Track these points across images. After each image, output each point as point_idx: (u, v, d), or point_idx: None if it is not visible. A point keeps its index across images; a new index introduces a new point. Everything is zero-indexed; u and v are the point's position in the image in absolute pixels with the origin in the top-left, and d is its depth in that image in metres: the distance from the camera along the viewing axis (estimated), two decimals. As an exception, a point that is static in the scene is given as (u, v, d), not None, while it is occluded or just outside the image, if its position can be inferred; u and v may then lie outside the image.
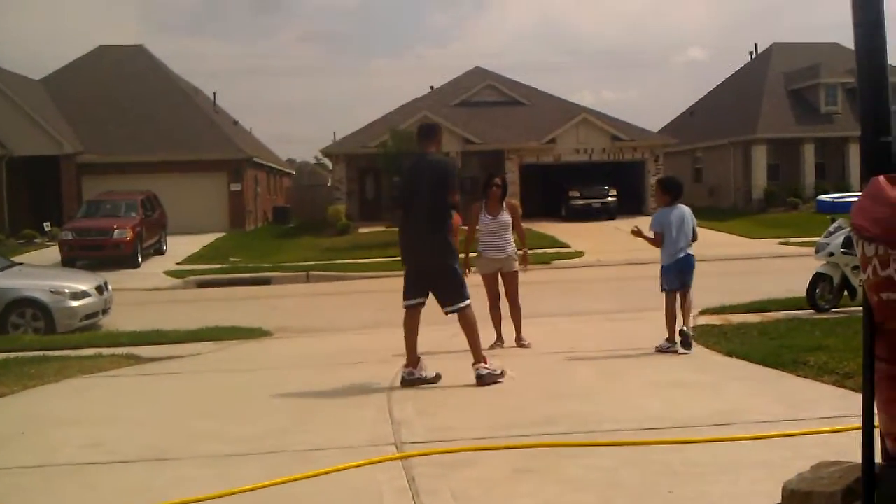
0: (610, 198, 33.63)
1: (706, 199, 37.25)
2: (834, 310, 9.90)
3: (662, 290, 7.68)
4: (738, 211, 35.32)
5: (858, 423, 2.55)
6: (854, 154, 35.05)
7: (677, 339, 7.50)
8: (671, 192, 7.88)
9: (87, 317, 12.31)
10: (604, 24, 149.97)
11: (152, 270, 21.62)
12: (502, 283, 8.53)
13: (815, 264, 10.44)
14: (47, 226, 29.27)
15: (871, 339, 2.43)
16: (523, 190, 32.79)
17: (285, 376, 7.57)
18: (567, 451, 4.39)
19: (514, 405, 5.70)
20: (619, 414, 5.19)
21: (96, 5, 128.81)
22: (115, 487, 4.21)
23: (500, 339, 8.48)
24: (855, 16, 2.61)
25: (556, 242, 24.88)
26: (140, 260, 22.48)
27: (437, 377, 6.55)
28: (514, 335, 8.50)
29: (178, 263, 23.06)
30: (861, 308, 2.62)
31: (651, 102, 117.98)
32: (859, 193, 2.53)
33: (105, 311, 12.89)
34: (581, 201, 33.36)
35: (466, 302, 6.52)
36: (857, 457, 2.55)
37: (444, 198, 6.49)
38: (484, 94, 38.42)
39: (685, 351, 7.45)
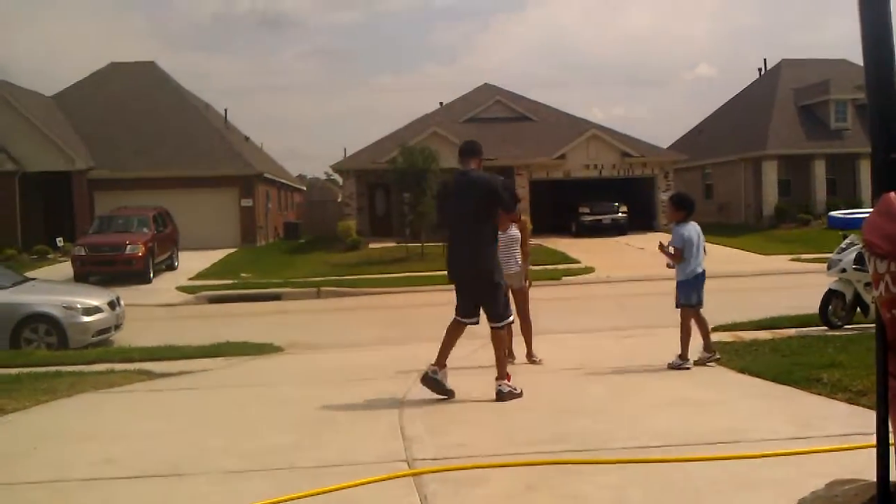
0: (620, 214, 33.60)
1: (716, 216, 37.16)
2: (846, 326, 9.85)
3: (680, 305, 7.67)
4: (748, 227, 35.20)
5: (873, 440, 2.54)
6: (865, 170, 34.94)
7: (691, 356, 7.50)
8: (686, 208, 7.92)
9: (100, 332, 12.36)
10: (612, 40, 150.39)
11: (164, 286, 21.70)
12: (513, 300, 8.53)
13: (828, 281, 10.39)
14: (60, 241, 29.42)
15: (885, 356, 2.42)
16: (533, 206, 32.74)
17: (296, 392, 7.57)
18: (577, 468, 4.37)
19: (525, 422, 5.69)
20: (630, 431, 5.17)
21: (108, 22, 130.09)
22: (129, 503, 4.22)
23: (511, 354, 8.46)
24: (863, 32, 2.62)
25: (566, 258, 24.84)
26: (152, 275, 22.56)
27: (451, 393, 6.55)
28: (525, 351, 8.50)
29: (190, 279, 23.12)
30: (874, 325, 2.61)
31: (661, 119, 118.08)
32: (871, 210, 2.53)
33: (117, 327, 12.95)
34: (591, 217, 33.35)
35: (508, 320, 6.74)
36: (871, 475, 2.54)
37: (489, 214, 6.57)
38: (493, 110, 38.53)
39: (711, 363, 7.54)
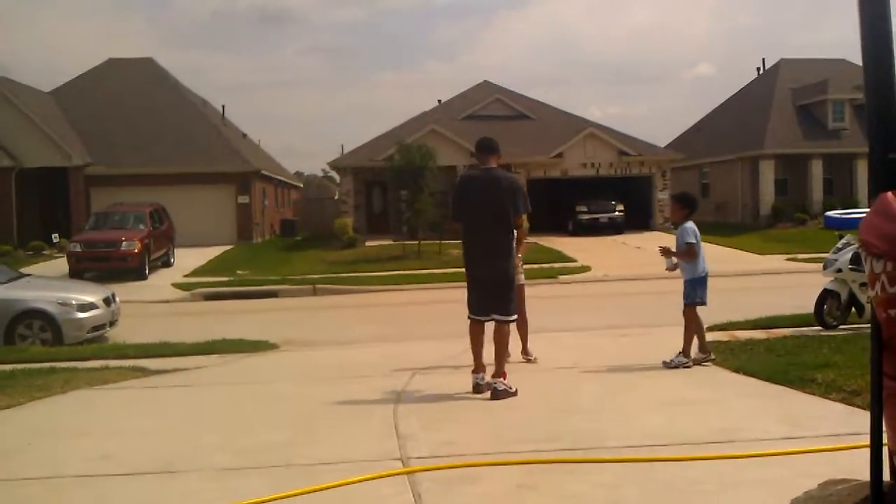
0: (617, 213, 33.62)
1: (713, 215, 37.20)
2: (841, 327, 9.86)
3: (692, 303, 7.65)
4: (745, 226, 35.25)
5: (867, 440, 2.54)
6: (862, 170, 35.01)
7: (693, 354, 7.51)
8: (690, 206, 7.95)
9: (95, 328, 12.34)
10: (611, 39, 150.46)
11: (160, 283, 21.67)
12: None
13: (823, 280, 10.40)
14: (55, 237, 29.38)
15: (880, 356, 2.42)
16: (530, 204, 32.74)
17: (291, 389, 7.56)
18: (570, 467, 4.37)
19: (519, 420, 5.69)
20: (623, 430, 5.17)
21: (106, 18, 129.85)
22: (123, 499, 4.22)
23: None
24: (862, 32, 2.62)
25: (562, 257, 24.86)
26: (148, 272, 22.53)
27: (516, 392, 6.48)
28: (521, 348, 8.49)
29: (186, 276, 23.10)
30: (869, 325, 2.61)
31: (658, 117, 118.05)
32: (867, 210, 2.53)
33: (112, 323, 12.93)
34: (588, 216, 33.36)
35: (513, 318, 6.76)
36: (865, 475, 2.54)
37: (512, 212, 6.61)
38: (491, 108, 38.50)
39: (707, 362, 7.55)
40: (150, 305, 17.99)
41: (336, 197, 42.89)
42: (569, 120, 38.12)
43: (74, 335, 11.90)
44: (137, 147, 32.87)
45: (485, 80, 41.10)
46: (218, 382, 8.38)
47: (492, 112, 38.14)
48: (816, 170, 36.71)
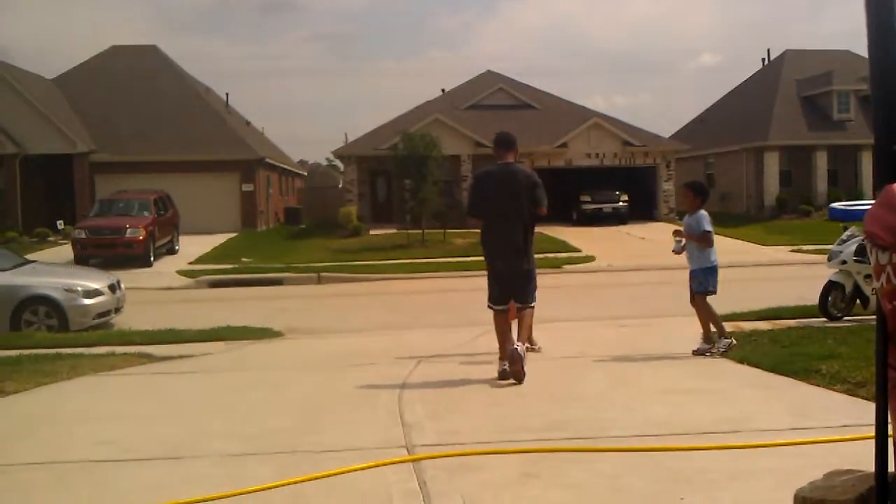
0: (621, 203, 33.59)
1: (718, 206, 37.08)
2: (846, 318, 9.85)
3: (704, 291, 7.69)
4: (749, 217, 35.19)
5: (871, 431, 2.55)
6: (867, 162, 34.91)
7: (690, 346, 7.54)
8: (703, 195, 8.01)
9: (100, 315, 12.38)
10: (615, 29, 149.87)
11: (165, 270, 21.71)
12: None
13: (828, 272, 10.39)
14: (60, 224, 29.43)
15: (885, 348, 2.42)
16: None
17: (296, 377, 7.59)
18: (575, 455, 4.39)
19: (523, 409, 5.71)
20: (626, 420, 5.19)
21: (109, 5, 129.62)
22: (127, 485, 4.24)
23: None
24: (868, 23, 2.61)
25: (566, 247, 24.85)
26: (153, 259, 22.57)
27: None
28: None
29: (191, 263, 23.15)
30: (874, 316, 2.62)
31: (663, 108, 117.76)
32: (872, 201, 2.53)
33: (118, 310, 12.96)
34: (592, 206, 33.34)
35: (532, 304, 7.08)
36: (870, 465, 2.55)
37: (532, 206, 6.76)
38: (495, 97, 38.42)
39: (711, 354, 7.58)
40: (155, 292, 18.03)
41: (340, 185, 42.88)
42: (573, 110, 38.03)
43: (80, 321, 11.94)
44: (142, 134, 32.87)
45: (488, 70, 41.04)
46: (223, 369, 8.42)
47: (495, 102, 38.06)
48: (821, 161, 36.62)
